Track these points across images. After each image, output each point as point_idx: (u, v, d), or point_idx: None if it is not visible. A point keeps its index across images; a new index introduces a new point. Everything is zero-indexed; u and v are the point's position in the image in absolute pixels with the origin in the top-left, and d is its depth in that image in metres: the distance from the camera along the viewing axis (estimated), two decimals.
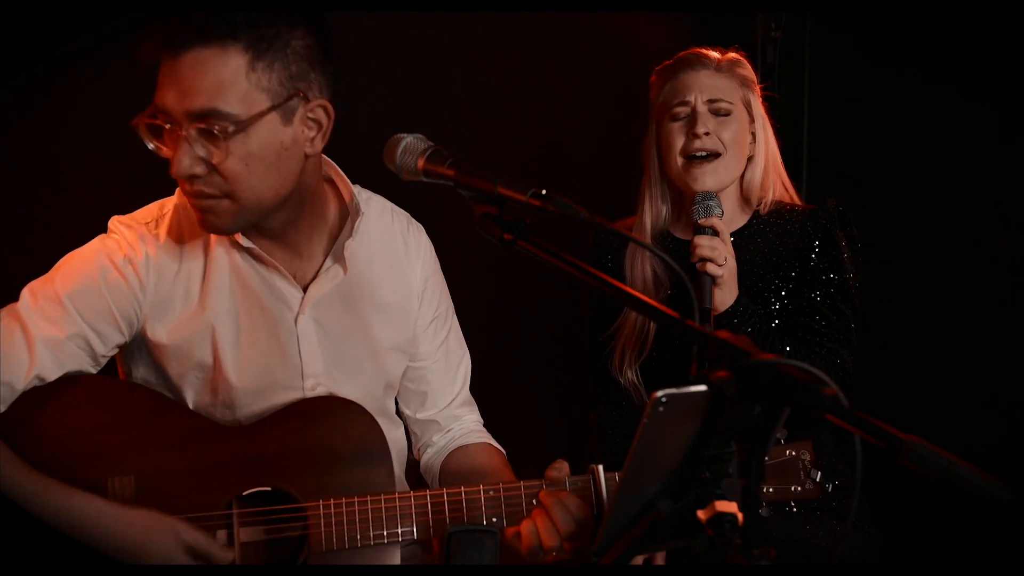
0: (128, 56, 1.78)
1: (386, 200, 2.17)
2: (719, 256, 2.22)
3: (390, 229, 2.16)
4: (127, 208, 2.03)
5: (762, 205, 2.46)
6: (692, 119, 2.37)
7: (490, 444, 2.23)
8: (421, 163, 1.70)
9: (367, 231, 2.08)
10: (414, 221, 2.22)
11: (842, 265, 2.37)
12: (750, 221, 2.46)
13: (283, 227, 1.96)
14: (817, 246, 2.38)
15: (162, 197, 2.05)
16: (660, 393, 1.23)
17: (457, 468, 2.17)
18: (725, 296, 2.26)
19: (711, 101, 2.38)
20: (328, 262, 2.03)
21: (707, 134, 2.35)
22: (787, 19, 3.31)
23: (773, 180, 2.47)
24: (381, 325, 2.10)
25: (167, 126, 1.78)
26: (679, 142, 2.38)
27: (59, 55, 2.49)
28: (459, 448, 2.21)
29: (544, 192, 1.49)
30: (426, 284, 2.18)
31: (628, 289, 1.47)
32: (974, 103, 3.07)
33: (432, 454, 2.23)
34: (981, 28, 2.85)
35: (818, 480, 1.91)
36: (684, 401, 1.25)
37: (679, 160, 2.39)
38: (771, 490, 1.91)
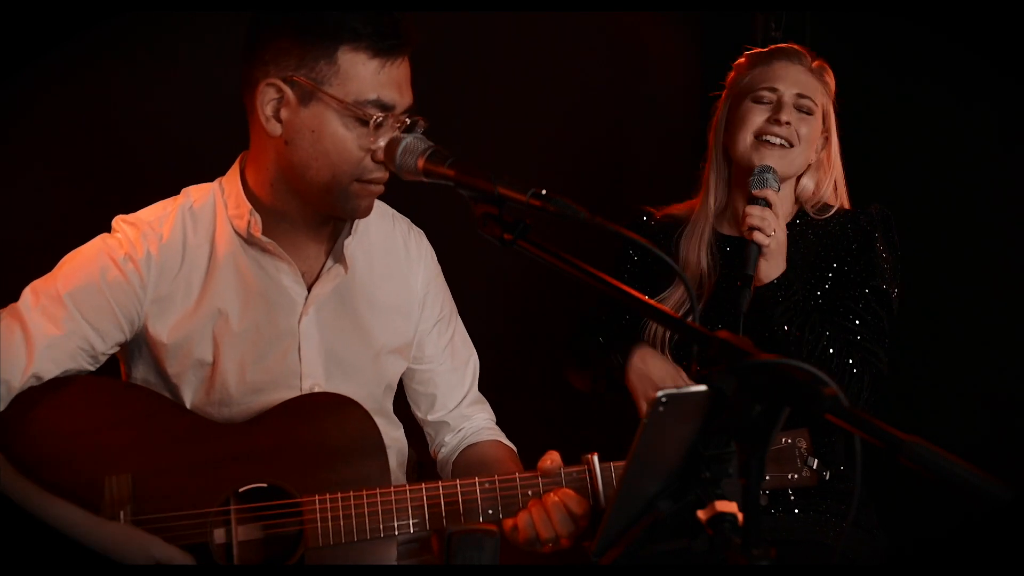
0: (128, 55, 1.79)
1: (387, 205, 2.18)
2: (768, 226, 2.26)
3: (391, 234, 2.17)
4: (129, 207, 2.03)
5: (811, 207, 2.49)
6: (778, 106, 2.41)
7: (500, 441, 2.24)
8: (421, 163, 1.71)
9: (366, 232, 2.09)
10: (415, 226, 2.23)
11: (880, 269, 2.39)
12: (793, 220, 2.49)
13: (303, 220, 1.99)
14: (856, 249, 2.41)
15: (163, 196, 2.05)
16: (660, 393, 1.24)
17: (466, 466, 2.19)
18: (771, 268, 2.29)
19: (799, 96, 2.42)
20: (329, 262, 2.04)
21: (788, 123, 2.38)
22: (787, 19, 3.31)
23: (829, 187, 2.51)
24: (380, 327, 2.11)
25: (380, 117, 1.86)
26: (757, 121, 2.41)
27: (61, 54, 2.49)
28: (469, 446, 2.23)
29: (544, 192, 1.49)
30: (428, 289, 2.19)
31: (628, 289, 1.47)
32: (974, 103, 3.07)
33: (446, 454, 2.26)
34: (981, 28, 2.85)
35: (815, 467, 1.91)
36: (684, 401, 1.25)
37: (750, 138, 2.41)
38: (768, 478, 1.91)
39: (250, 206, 1.97)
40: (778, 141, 2.38)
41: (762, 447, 1.21)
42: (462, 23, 3.11)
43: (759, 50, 2.52)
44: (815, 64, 2.47)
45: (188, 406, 1.99)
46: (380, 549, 1.91)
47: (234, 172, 2.04)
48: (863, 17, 3.21)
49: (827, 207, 2.49)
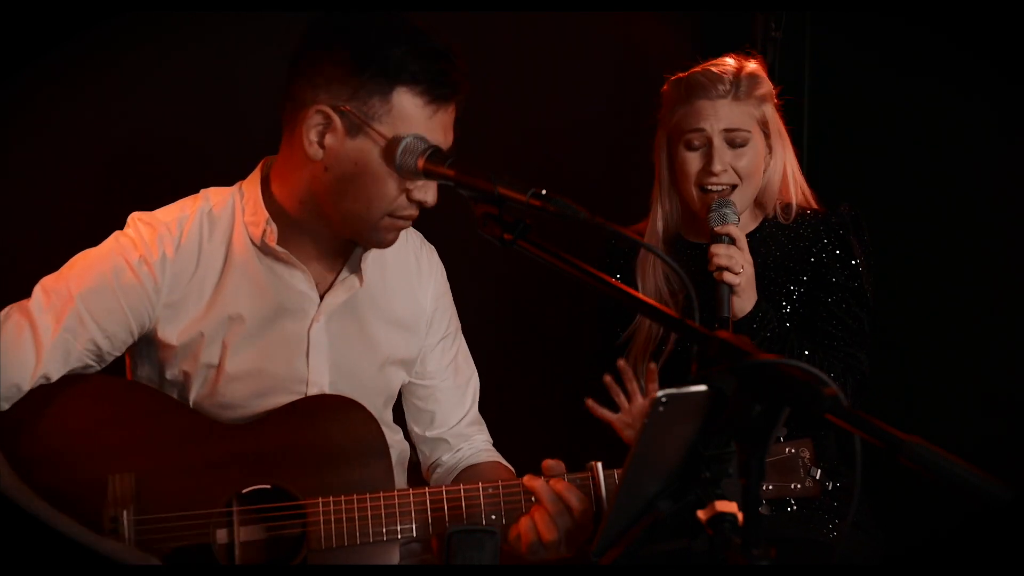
0: (129, 55, 1.79)
1: None
2: (736, 264, 2.22)
3: (404, 247, 2.15)
4: (138, 205, 2.02)
5: (775, 210, 2.45)
6: (709, 153, 2.32)
7: (499, 462, 2.22)
8: (421, 163, 1.72)
9: None
10: (427, 242, 2.23)
11: (856, 270, 2.38)
12: (761, 224, 2.47)
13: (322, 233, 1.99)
14: (830, 251, 2.39)
15: (165, 198, 2.05)
16: (660, 393, 1.24)
17: None
18: (744, 303, 2.26)
19: (727, 131, 2.32)
20: (345, 272, 2.03)
21: (724, 171, 2.32)
22: (787, 19, 3.30)
23: (788, 186, 2.45)
24: (387, 339, 2.10)
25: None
26: (694, 171, 2.35)
27: (66, 53, 2.49)
28: (468, 467, 2.21)
29: (544, 192, 1.49)
30: (436, 305, 2.19)
31: (628, 289, 1.47)
32: (974, 103, 3.06)
33: (441, 473, 2.23)
34: (981, 28, 2.84)
35: (818, 478, 1.91)
36: (684, 401, 1.25)
37: (695, 191, 2.36)
38: (771, 488, 1.91)
39: (267, 215, 1.96)
40: (719, 188, 2.33)
41: (762, 447, 1.21)
42: (462, 23, 3.11)
43: (680, 76, 2.40)
44: (742, 80, 2.34)
45: (191, 406, 1.99)
46: (382, 552, 1.91)
47: (255, 178, 2.02)
48: (863, 17, 3.21)
49: (790, 207, 2.45)
